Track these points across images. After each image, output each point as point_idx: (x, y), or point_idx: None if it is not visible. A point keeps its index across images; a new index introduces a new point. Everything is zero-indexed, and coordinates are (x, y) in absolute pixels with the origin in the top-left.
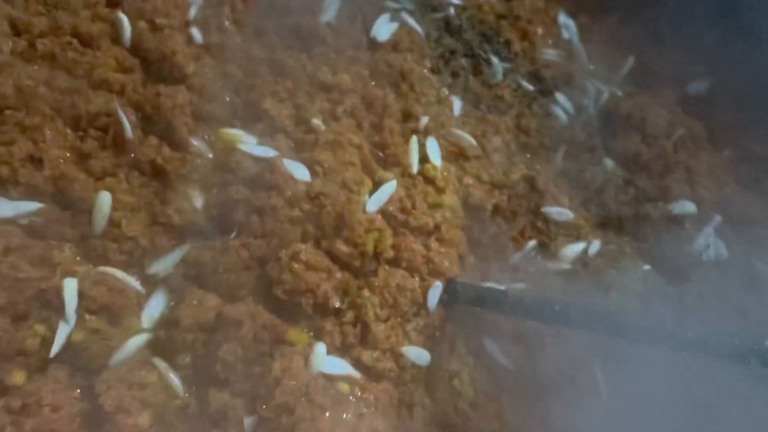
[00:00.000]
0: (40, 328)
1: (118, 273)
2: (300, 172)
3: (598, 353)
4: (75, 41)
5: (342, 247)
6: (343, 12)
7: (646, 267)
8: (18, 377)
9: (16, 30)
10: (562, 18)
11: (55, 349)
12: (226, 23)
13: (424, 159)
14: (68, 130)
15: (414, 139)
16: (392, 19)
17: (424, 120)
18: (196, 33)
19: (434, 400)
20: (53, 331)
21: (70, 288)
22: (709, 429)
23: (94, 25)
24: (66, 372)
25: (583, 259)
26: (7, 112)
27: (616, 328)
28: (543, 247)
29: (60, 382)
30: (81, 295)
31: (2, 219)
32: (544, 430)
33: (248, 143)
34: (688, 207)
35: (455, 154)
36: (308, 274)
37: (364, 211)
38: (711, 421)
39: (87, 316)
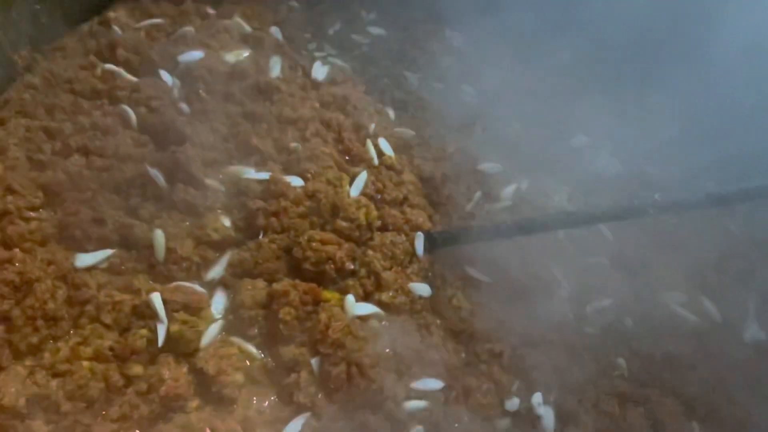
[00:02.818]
0: (143, 332)
1: (185, 284)
2: (295, 180)
3: (550, 253)
4: (97, 133)
5: (342, 224)
6: (285, 67)
7: (566, 188)
8: (137, 369)
9: (51, 135)
10: (448, 33)
11: (160, 341)
12: (202, 94)
13: (380, 153)
14: (114, 196)
15: (368, 141)
16: (323, 64)
17: (372, 127)
18: (183, 106)
19: (442, 318)
20: (153, 331)
21: (157, 299)
22: (643, 280)
23: (107, 119)
24: (172, 357)
25: (518, 195)
26: (65, 193)
27: (553, 224)
28: (486, 195)
29: (170, 364)
30: (165, 302)
31: (87, 267)
32: (528, 317)
33: (249, 172)
34: (583, 139)
35: (402, 145)
36: (325, 248)
37: (349, 197)
38: (644, 275)
39: (175, 314)
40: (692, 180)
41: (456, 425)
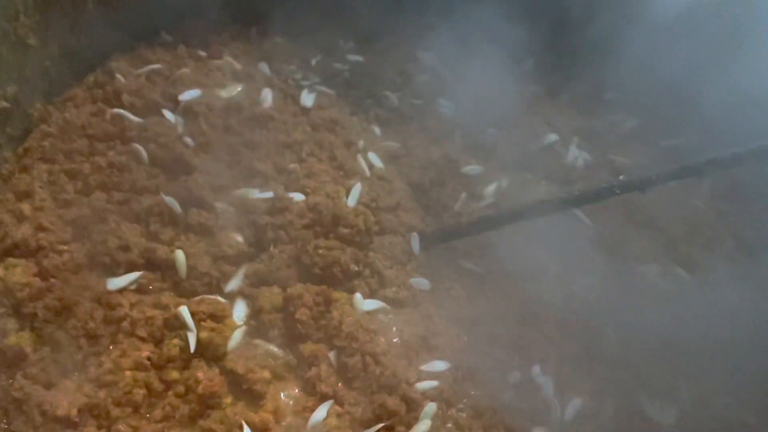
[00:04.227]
0: (176, 341)
1: (208, 296)
2: (297, 196)
3: (534, 241)
4: (114, 170)
5: (344, 231)
6: (276, 98)
7: (543, 183)
8: (174, 374)
9: (72, 176)
10: (421, 54)
11: (192, 348)
12: (204, 128)
13: (371, 166)
14: (135, 224)
15: (359, 156)
16: (310, 92)
17: (361, 143)
18: (188, 140)
19: (443, 308)
20: (185, 340)
21: (185, 311)
22: (621, 257)
23: (121, 157)
24: (204, 362)
25: (500, 192)
26: (91, 226)
27: (535, 211)
28: (471, 194)
29: (203, 367)
30: (192, 313)
31: (118, 289)
32: (521, 299)
33: (254, 193)
34: (553, 137)
35: (390, 157)
36: (331, 253)
37: (348, 206)
38: (622, 252)
39: (202, 323)
40: (656, 164)
41: (465, 400)
